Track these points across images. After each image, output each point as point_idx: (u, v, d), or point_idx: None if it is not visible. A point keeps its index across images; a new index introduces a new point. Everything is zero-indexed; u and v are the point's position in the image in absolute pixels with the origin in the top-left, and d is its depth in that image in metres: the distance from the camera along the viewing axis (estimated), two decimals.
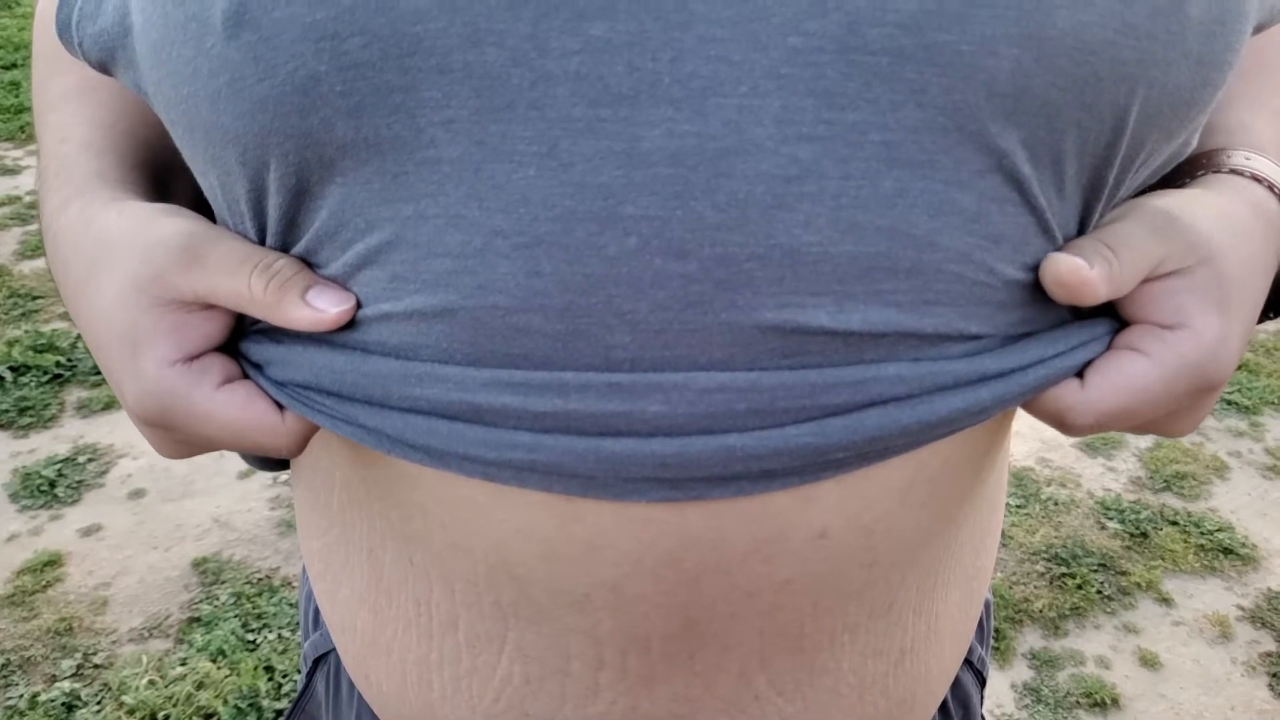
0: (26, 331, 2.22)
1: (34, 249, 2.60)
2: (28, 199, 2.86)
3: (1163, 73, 0.28)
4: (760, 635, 0.34)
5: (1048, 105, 0.27)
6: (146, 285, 0.31)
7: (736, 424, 0.29)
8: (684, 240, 0.27)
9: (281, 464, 0.49)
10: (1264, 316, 0.37)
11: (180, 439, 0.34)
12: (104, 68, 0.35)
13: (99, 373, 2.09)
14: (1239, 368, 2.20)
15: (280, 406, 0.33)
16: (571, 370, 0.29)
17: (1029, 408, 0.33)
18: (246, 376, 0.33)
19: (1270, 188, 0.34)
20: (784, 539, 0.32)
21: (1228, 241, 0.32)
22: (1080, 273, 0.29)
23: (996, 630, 1.58)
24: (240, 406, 0.32)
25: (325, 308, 0.30)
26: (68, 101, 0.40)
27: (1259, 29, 0.34)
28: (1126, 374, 0.31)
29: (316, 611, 0.51)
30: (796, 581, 0.33)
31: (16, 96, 3.60)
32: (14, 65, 3.90)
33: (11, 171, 3.03)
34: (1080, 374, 0.32)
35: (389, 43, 0.26)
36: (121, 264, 0.32)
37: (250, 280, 0.30)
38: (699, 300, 0.28)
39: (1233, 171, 0.34)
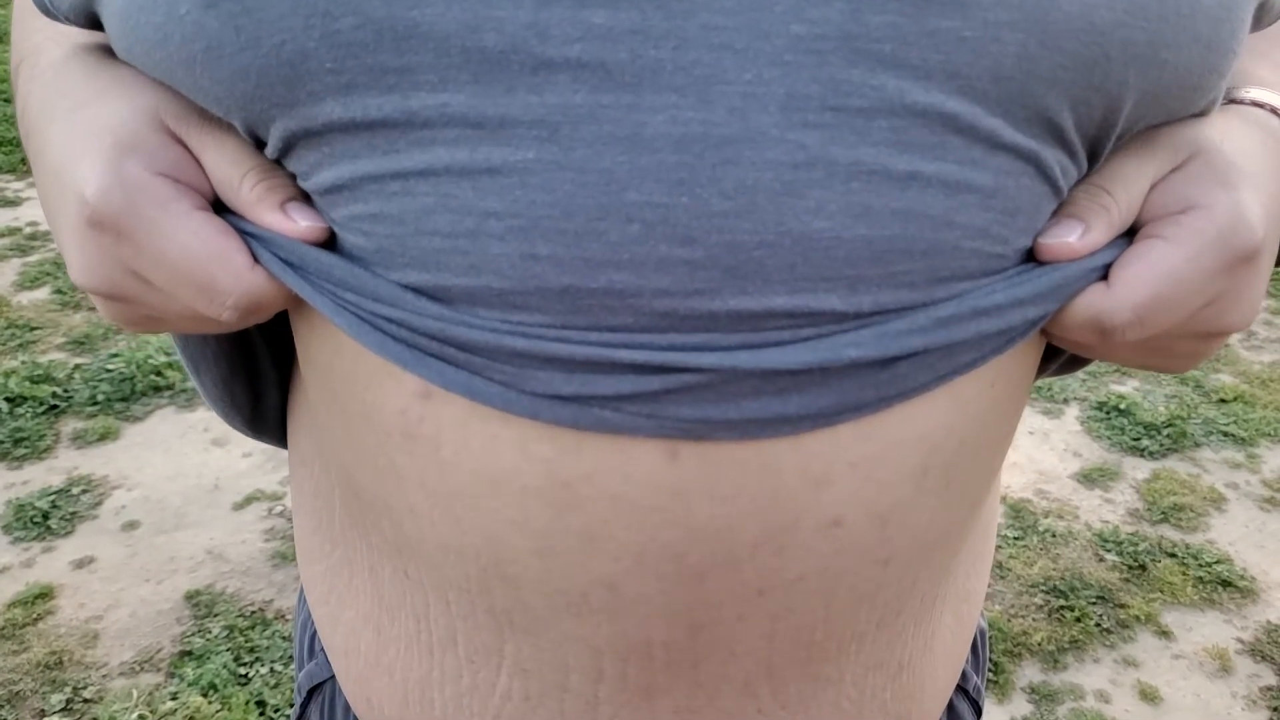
0: (23, 362, 2.22)
1: (33, 280, 2.60)
2: (27, 230, 2.87)
3: (1174, 55, 0.29)
4: (769, 641, 0.33)
5: (1055, 85, 0.28)
6: (167, 114, 0.31)
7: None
8: (690, 227, 0.27)
9: (258, 422, 0.47)
10: None
11: (125, 255, 0.31)
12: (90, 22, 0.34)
13: (95, 403, 2.09)
14: (1235, 399, 2.20)
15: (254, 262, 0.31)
16: (575, 333, 0.28)
17: (1063, 328, 0.32)
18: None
19: (1272, 110, 0.34)
20: (796, 527, 0.31)
21: (1215, 135, 0.32)
22: (1070, 248, 0.30)
23: (996, 664, 1.57)
24: (211, 233, 0.30)
25: (297, 220, 0.30)
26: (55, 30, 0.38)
27: (1256, 21, 0.34)
28: (1149, 260, 0.30)
29: (313, 639, 0.51)
30: (810, 579, 0.32)
31: (16, 129, 3.62)
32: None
33: (12, 203, 3.04)
34: (1105, 279, 0.31)
35: (383, 25, 0.26)
36: (147, 91, 0.31)
37: (244, 177, 0.30)
38: (706, 287, 0.28)
39: (1231, 102, 0.35)
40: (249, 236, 0.30)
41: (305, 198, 0.31)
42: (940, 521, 0.34)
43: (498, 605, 0.33)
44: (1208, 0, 0.29)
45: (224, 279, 0.30)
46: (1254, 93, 0.35)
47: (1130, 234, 0.32)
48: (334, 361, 0.33)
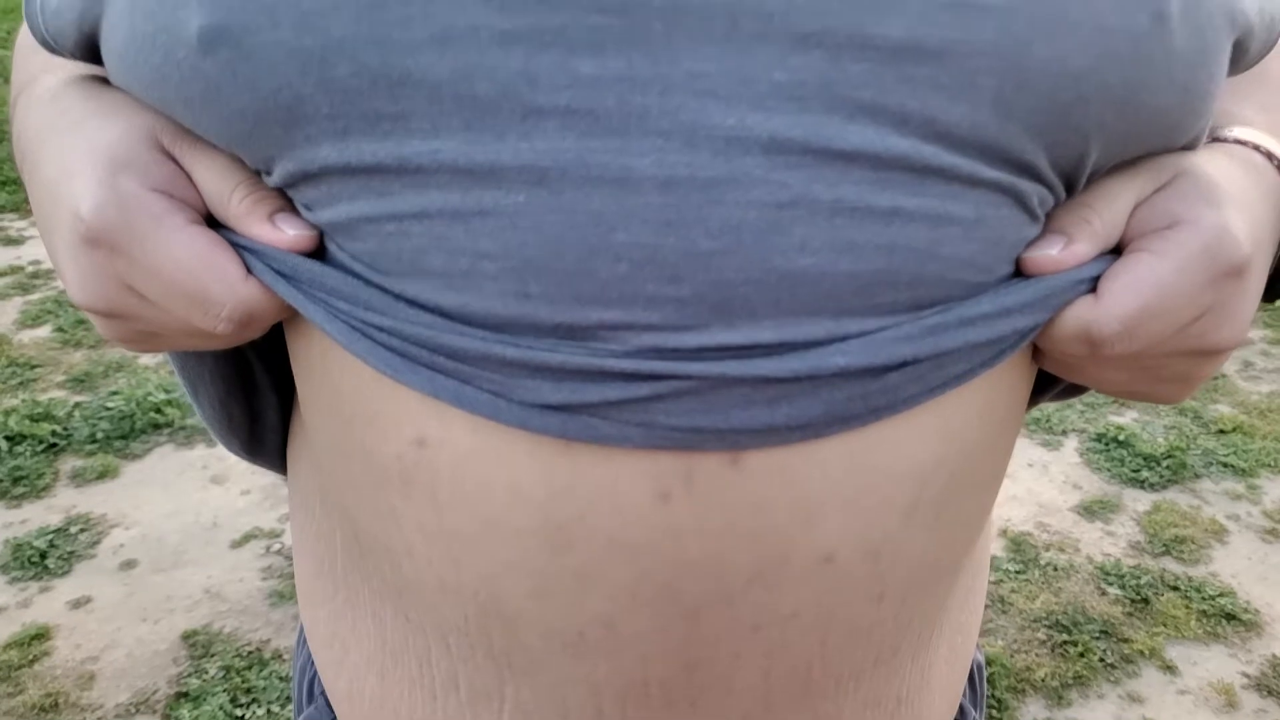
0: (24, 400, 2.22)
1: (34, 318, 2.61)
2: (29, 269, 2.88)
3: (1150, 97, 0.29)
4: (765, 679, 0.33)
5: (1031, 128, 0.28)
6: (161, 133, 0.32)
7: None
8: (677, 266, 0.27)
9: (255, 445, 0.47)
10: (1275, 288, 0.36)
11: (120, 270, 0.31)
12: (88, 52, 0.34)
13: (95, 441, 2.09)
14: (1234, 430, 2.20)
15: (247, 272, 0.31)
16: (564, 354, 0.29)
17: (1052, 341, 0.32)
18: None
19: (1255, 147, 0.35)
20: (788, 563, 0.31)
21: (1200, 160, 0.33)
22: (1053, 261, 0.31)
23: (999, 700, 1.55)
24: (205, 246, 0.31)
25: (286, 229, 0.30)
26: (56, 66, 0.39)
27: (1235, 64, 0.35)
28: (1136, 272, 0.31)
29: (312, 683, 0.51)
30: (804, 614, 0.32)
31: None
32: None
33: (15, 242, 3.06)
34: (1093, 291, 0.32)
35: (378, 73, 0.27)
36: (144, 112, 0.32)
37: (234, 191, 0.31)
38: (694, 323, 0.28)
39: (1215, 140, 0.35)
40: (242, 249, 0.31)
41: (293, 209, 0.31)
42: (932, 557, 0.34)
43: (496, 647, 0.33)
44: (1182, 45, 0.29)
45: (218, 290, 0.30)
46: (1238, 131, 0.36)
47: (1118, 253, 0.32)
48: (332, 403, 0.34)
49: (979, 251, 0.30)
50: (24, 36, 0.41)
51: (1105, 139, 0.30)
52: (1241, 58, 0.34)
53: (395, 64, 0.27)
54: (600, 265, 0.28)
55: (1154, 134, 0.31)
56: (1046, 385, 0.41)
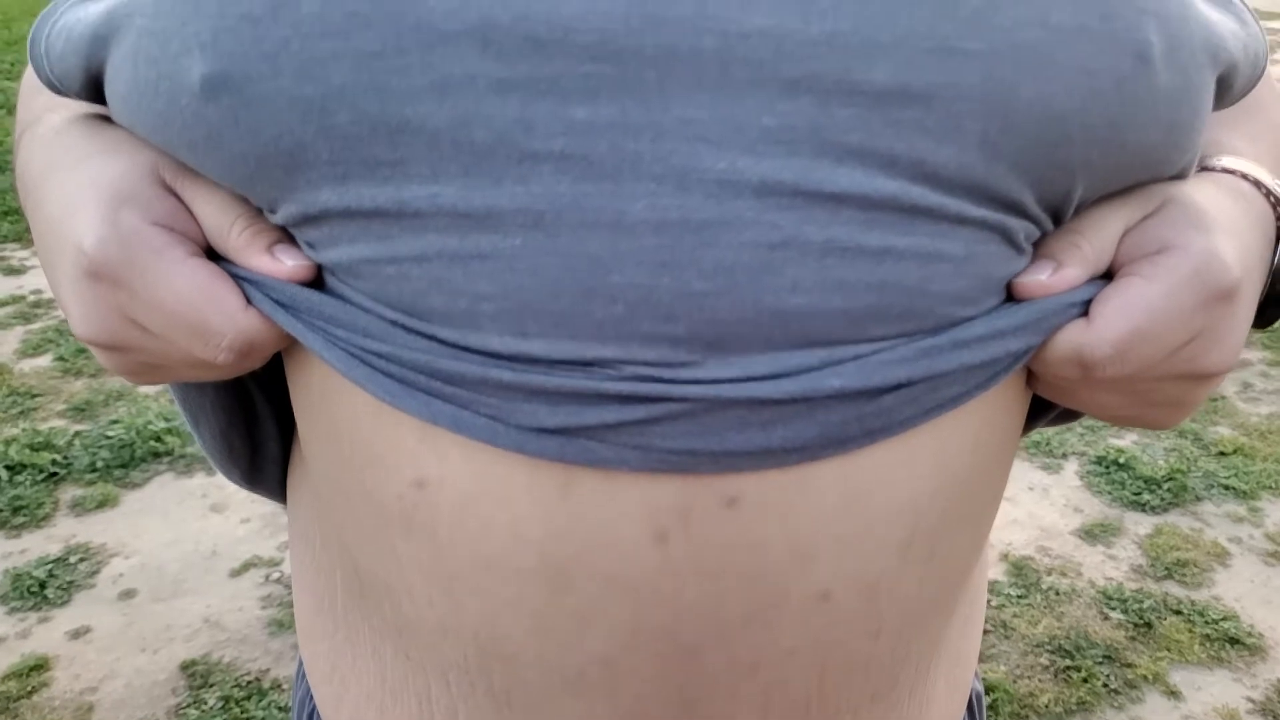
0: (24, 430, 2.22)
1: (35, 348, 2.61)
2: (31, 298, 2.89)
3: (1134, 135, 0.30)
4: (764, 715, 0.33)
5: (1017, 168, 0.29)
6: (164, 169, 0.32)
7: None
8: (671, 306, 0.28)
9: (255, 475, 0.48)
10: (1265, 314, 0.37)
11: (122, 303, 0.32)
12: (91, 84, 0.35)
13: (95, 470, 2.09)
14: (1234, 452, 2.20)
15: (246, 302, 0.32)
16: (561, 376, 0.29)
17: (1045, 364, 0.32)
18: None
19: (1243, 176, 0.35)
20: (785, 602, 0.31)
21: (1188, 188, 0.33)
22: (1043, 285, 0.31)
23: None
24: (205, 278, 0.31)
25: (284, 260, 0.31)
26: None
27: (1220, 98, 0.35)
28: (1127, 295, 0.31)
29: (310, 717, 0.51)
30: (802, 652, 0.32)
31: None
32: None
33: (17, 271, 3.07)
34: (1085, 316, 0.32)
35: (378, 121, 0.27)
36: (147, 149, 0.33)
37: (233, 224, 0.32)
38: (689, 359, 0.29)
39: (1203, 170, 0.36)
40: (242, 281, 0.32)
41: (291, 240, 0.32)
42: (928, 591, 0.35)
43: (496, 685, 0.33)
44: (1166, 84, 0.30)
45: (218, 320, 0.31)
46: (1226, 160, 0.36)
47: (1109, 279, 0.33)
48: (332, 443, 0.34)
49: (967, 287, 0.30)
50: (29, 77, 0.42)
51: (1090, 175, 0.30)
52: (1226, 93, 0.35)
53: (394, 112, 0.27)
54: (596, 306, 0.28)
55: (1139, 169, 0.32)
56: (1039, 414, 0.42)
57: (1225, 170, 0.36)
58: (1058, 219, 0.32)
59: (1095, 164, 0.30)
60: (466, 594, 0.32)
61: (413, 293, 0.29)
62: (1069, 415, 0.43)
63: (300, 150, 0.28)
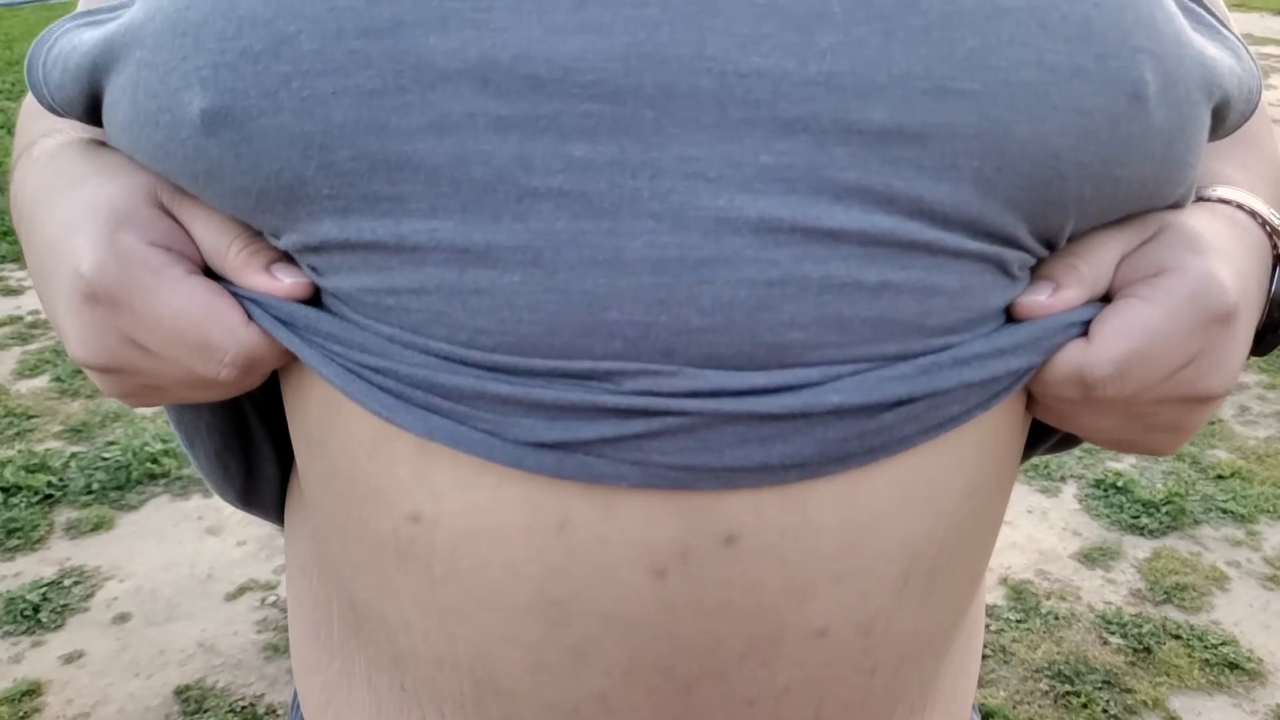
0: (20, 451, 2.21)
1: (32, 368, 2.61)
2: (28, 319, 2.89)
3: (1128, 171, 0.30)
4: None
5: (1011, 204, 0.29)
6: (161, 191, 0.32)
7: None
8: (669, 343, 0.28)
9: (251, 497, 0.47)
10: (1264, 342, 0.37)
11: (122, 324, 0.31)
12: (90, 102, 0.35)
13: (90, 492, 2.08)
14: (1232, 475, 2.20)
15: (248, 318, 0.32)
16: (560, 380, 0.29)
17: (1045, 385, 0.32)
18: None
19: (1238, 205, 0.35)
20: (781, 639, 0.31)
21: (1184, 216, 0.34)
22: (1042, 305, 0.31)
23: None
24: (205, 294, 0.31)
25: (282, 278, 0.31)
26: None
27: (1215, 129, 0.36)
28: (1126, 316, 0.31)
29: None
30: (797, 689, 0.32)
31: None
32: None
33: (14, 292, 3.07)
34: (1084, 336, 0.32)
35: (377, 158, 0.27)
36: (142, 172, 0.33)
37: (231, 244, 0.32)
38: (688, 392, 0.29)
39: (1199, 200, 0.36)
40: (241, 298, 0.32)
41: (288, 259, 0.32)
42: (925, 629, 0.34)
43: (493, 718, 0.33)
44: (1160, 121, 0.30)
45: (219, 336, 0.31)
46: (1221, 190, 0.36)
47: (1108, 302, 0.33)
48: (329, 475, 0.34)
49: (962, 321, 0.30)
50: (29, 103, 0.42)
51: (1084, 209, 0.31)
52: (1219, 127, 0.35)
53: (394, 149, 0.27)
54: (595, 343, 0.28)
55: (1133, 202, 0.32)
56: (1036, 443, 0.42)
57: (1221, 200, 0.36)
58: (1052, 248, 0.32)
59: (1089, 199, 0.30)
60: (462, 628, 0.32)
61: (413, 325, 0.29)
62: (1066, 442, 0.43)
63: (301, 185, 0.28)
